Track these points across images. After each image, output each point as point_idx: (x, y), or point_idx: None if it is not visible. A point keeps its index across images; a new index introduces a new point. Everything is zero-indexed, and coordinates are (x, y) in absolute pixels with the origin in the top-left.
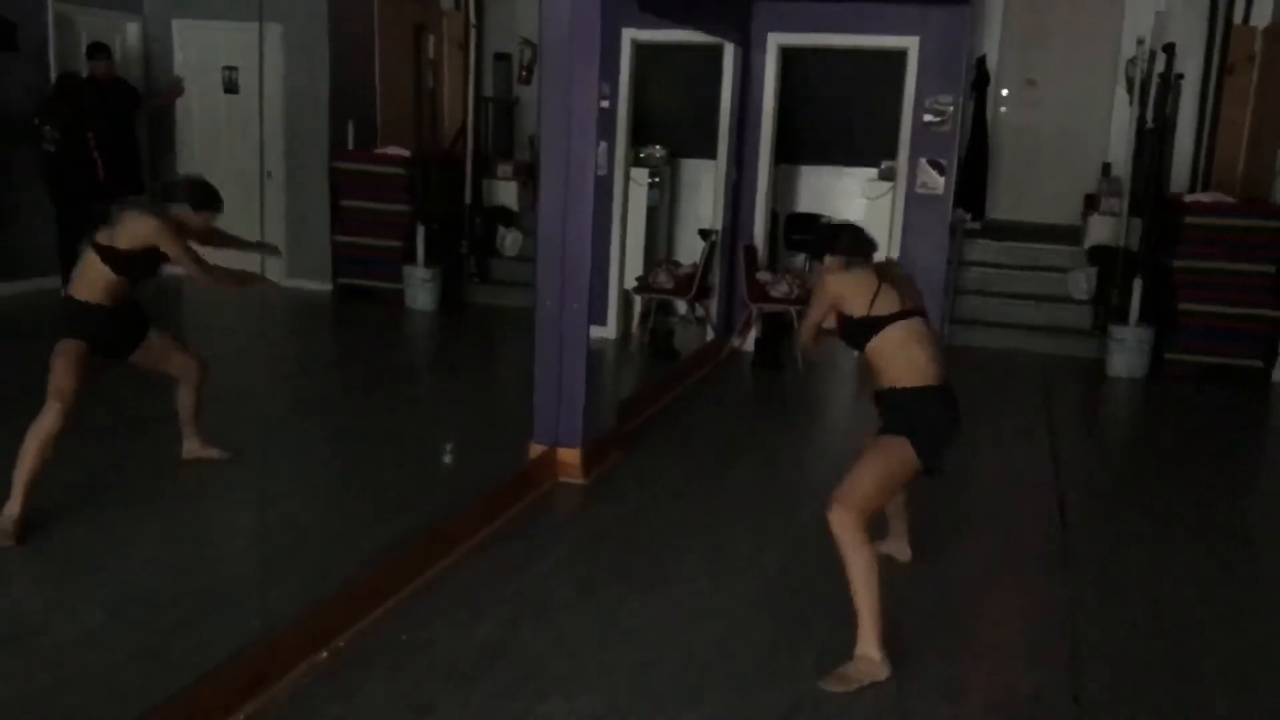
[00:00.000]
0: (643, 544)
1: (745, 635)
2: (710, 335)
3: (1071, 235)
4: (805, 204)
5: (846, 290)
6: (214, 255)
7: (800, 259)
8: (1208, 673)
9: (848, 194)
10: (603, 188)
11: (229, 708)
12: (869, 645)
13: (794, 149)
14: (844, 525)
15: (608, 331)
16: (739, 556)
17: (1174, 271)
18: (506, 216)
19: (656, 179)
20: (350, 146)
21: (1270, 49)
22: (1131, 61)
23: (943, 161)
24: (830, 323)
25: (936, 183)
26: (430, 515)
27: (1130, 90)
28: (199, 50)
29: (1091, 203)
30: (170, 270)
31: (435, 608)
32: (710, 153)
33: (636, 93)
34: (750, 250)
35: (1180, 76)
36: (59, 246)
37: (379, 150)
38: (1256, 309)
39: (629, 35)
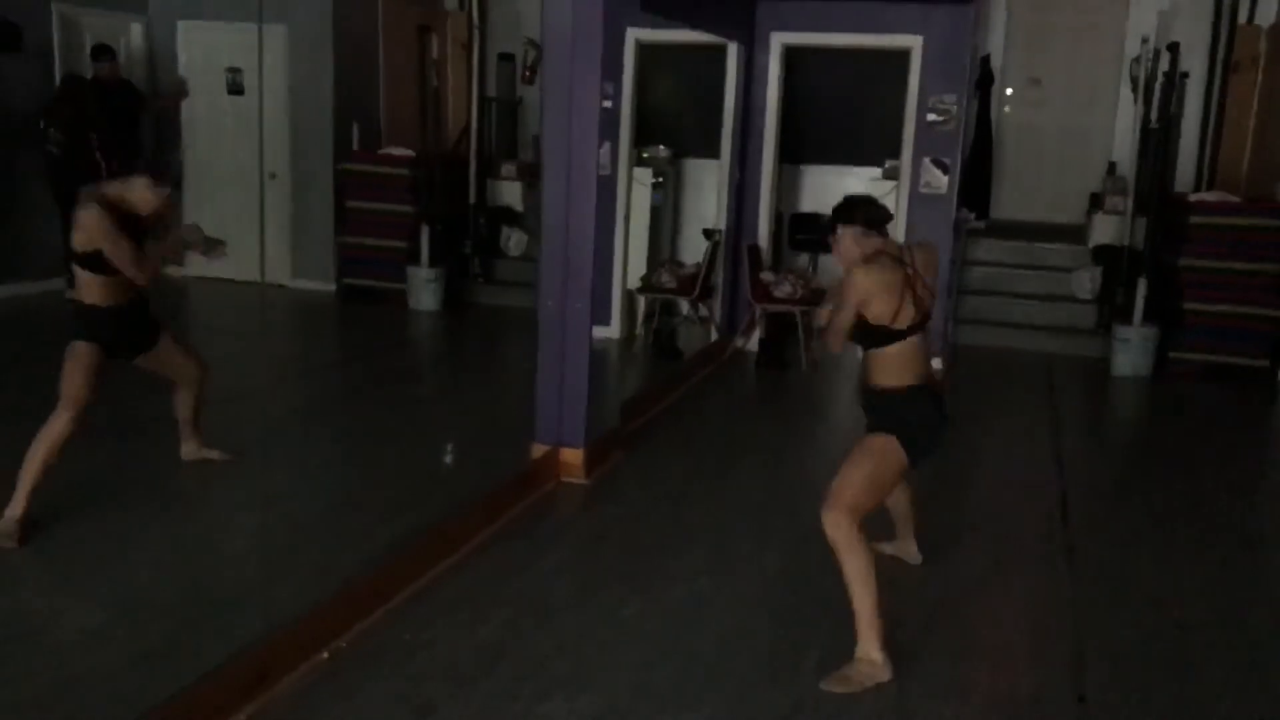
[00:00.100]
0: (644, 544)
1: (746, 635)
2: (714, 335)
3: (1076, 234)
4: (809, 203)
5: (876, 290)
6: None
7: (804, 259)
8: (1210, 672)
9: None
10: (606, 188)
11: (230, 708)
12: (870, 647)
13: (798, 148)
14: (837, 527)
15: (611, 331)
16: (741, 557)
17: (1179, 270)
18: (510, 216)
19: (660, 179)
20: (355, 147)
21: (1275, 48)
22: (1136, 60)
23: (946, 161)
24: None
25: (940, 182)
26: (432, 515)
27: (1135, 89)
28: (203, 51)
29: (1096, 202)
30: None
31: (437, 608)
32: (714, 152)
33: (640, 93)
34: (754, 250)
35: (1185, 75)
36: (64, 249)
37: (383, 151)
38: (1262, 308)
39: (632, 35)
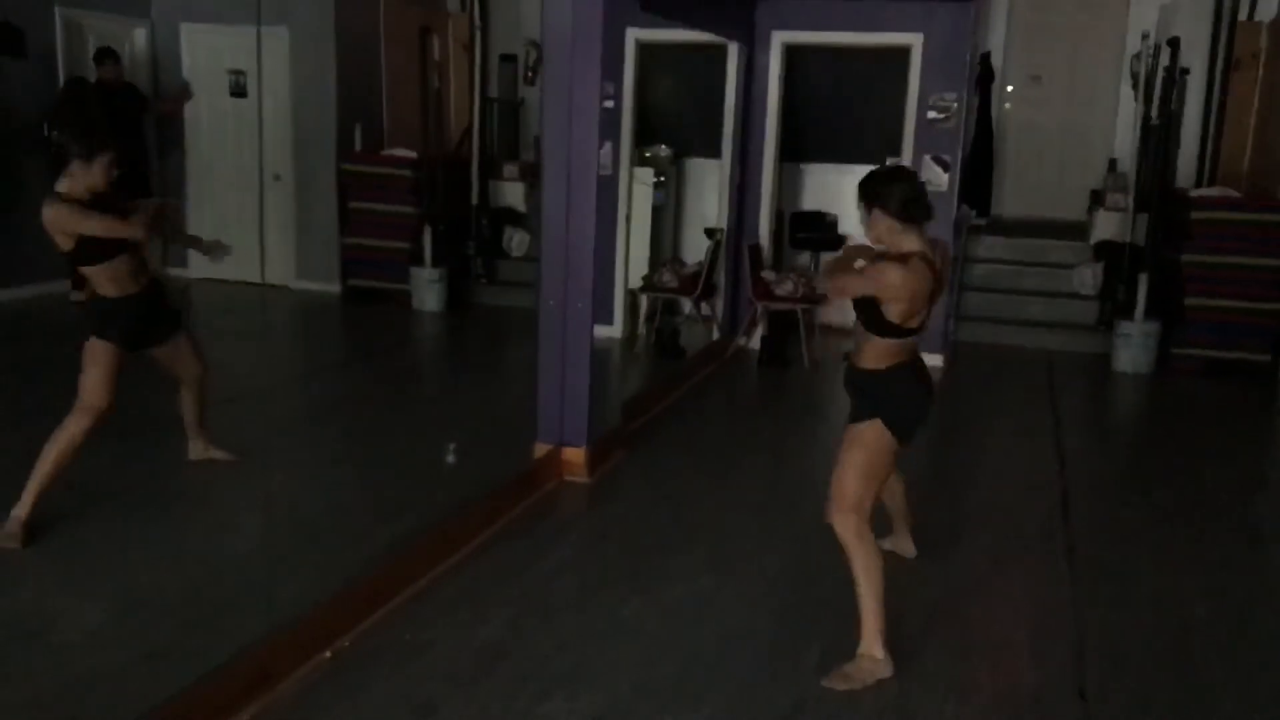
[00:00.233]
0: (646, 543)
1: (748, 634)
2: (715, 334)
3: (1077, 231)
4: (810, 202)
5: (904, 295)
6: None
7: (805, 257)
8: (1213, 668)
9: (852, 192)
10: (607, 188)
11: (233, 707)
12: (872, 644)
13: (798, 147)
14: (845, 527)
15: (613, 331)
16: (742, 555)
17: (1180, 266)
18: (513, 217)
19: (661, 178)
20: (358, 148)
21: (1275, 44)
22: (1136, 57)
23: (947, 158)
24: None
25: (941, 179)
26: (434, 515)
27: (1135, 86)
28: (206, 54)
29: (1097, 198)
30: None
31: (439, 607)
32: (715, 152)
33: (641, 93)
34: (755, 249)
35: (1185, 71)
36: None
37: (386, 152)
38: (1263, 303)
39: (633, 35)
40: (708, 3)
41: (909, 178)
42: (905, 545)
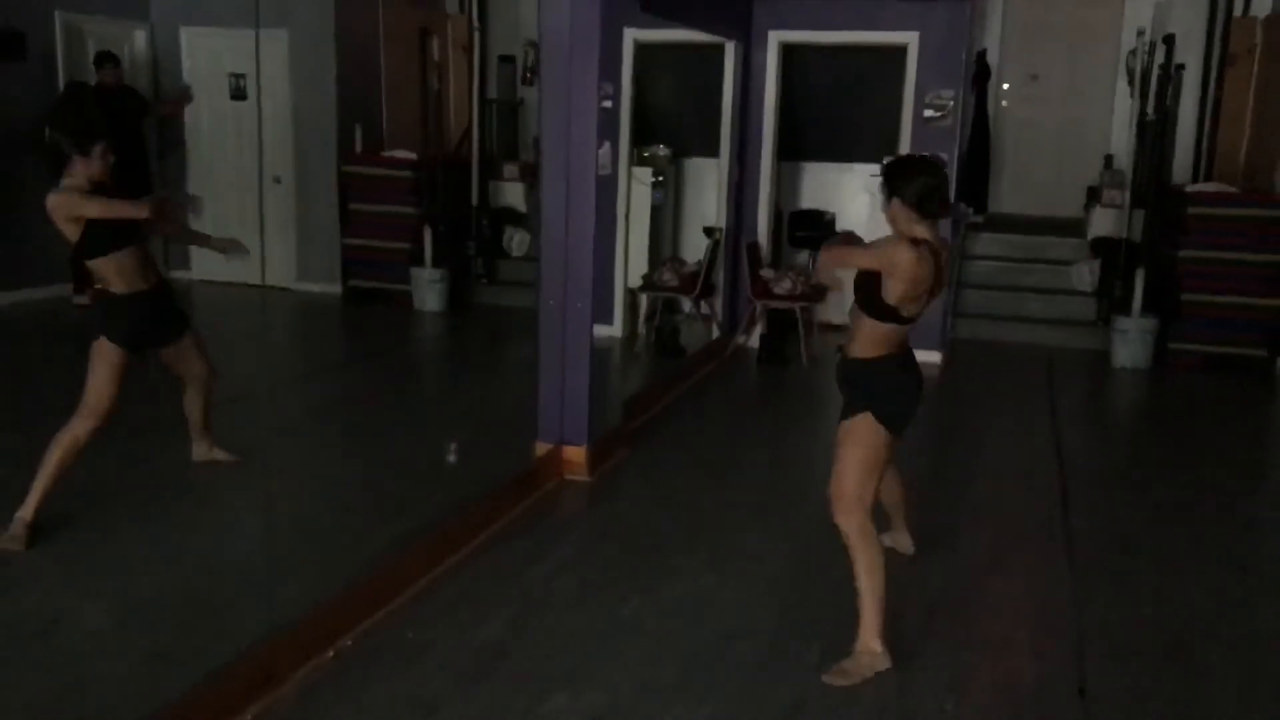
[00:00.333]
0: (647, 541)
1: (749, 632)
2: (715, 332)
3: (1074, 227)
4: (808, 200)
5: (908, 276)
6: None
7: (803, 255)
8: (1212, 662)
9: (850, 190)
10: (606, 187)
11: (236, 708)
12: (871, 638)
13: (796, 146)
14: (849, 523)
15: (613, 330)
16: (743, 553)
17: (1177, 262)
18: (513, 217)
19: (660, 178)
20: (358, 150)
21: (1271, 39)
22: (1132, 53)
23: (944, 156)
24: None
25: None
26: (436, 514)
27: (1131, 82)
28: (206, 57)
29: (1094, 195)
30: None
31: (441, 606)
32: (713, 151)
33: (639, 93)
34: (754, 247)
35: (1181, 68)
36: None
37: (386, 153)
38: (1260, 298)
39: (630, 35)
40: (705, 2)
41: (931, 171)
42: (904, 542)
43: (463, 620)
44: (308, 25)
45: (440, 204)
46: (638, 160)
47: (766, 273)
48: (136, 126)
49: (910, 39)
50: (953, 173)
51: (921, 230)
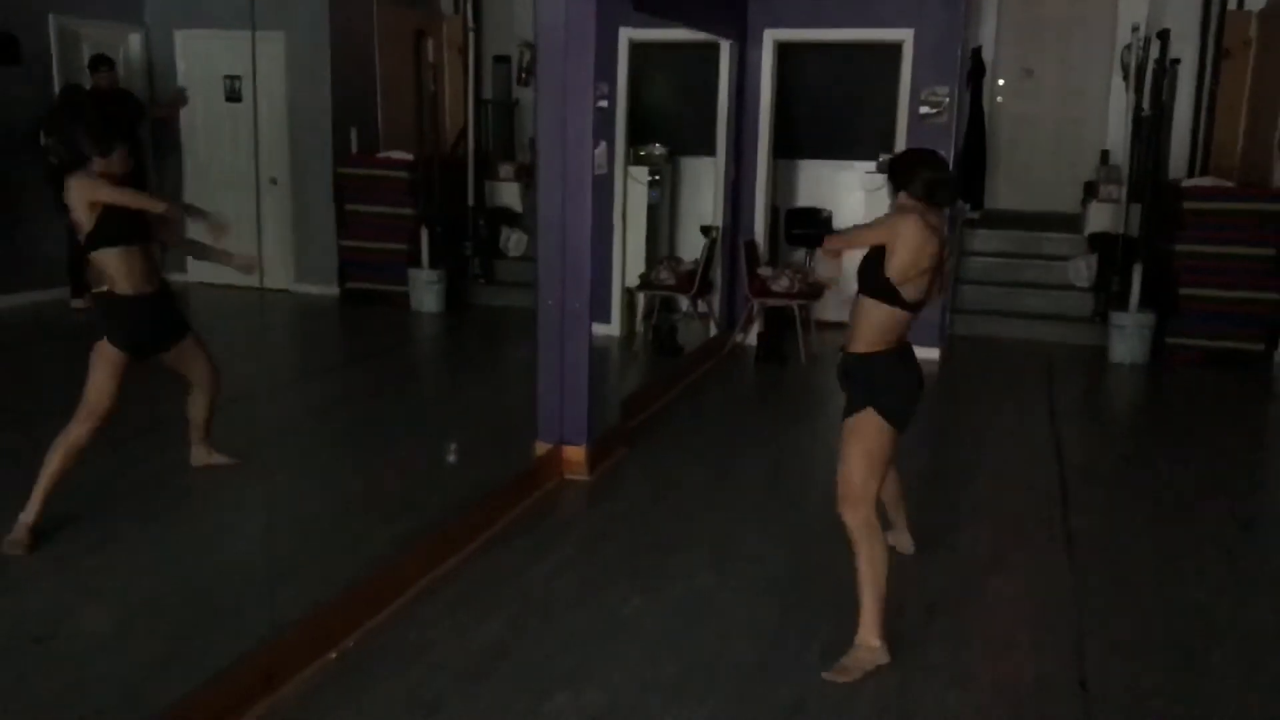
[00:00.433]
0: (647, 540)
1: (750, 630)
2: (713, 331)
3: (1071, 223)
4: (804, 198)
5: (911, 245)
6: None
7: (800, 253)
8: (1213, 656)
9: (846, 187)
10: (603, 187)
11: (238, 711)
12: (870, 634)
13: (792, 144)
14: (855, 519)
15: (611, 329)
16: (743, 551)
17: (1174, 257)
18: (509, 217)
19: (656, 177)
20: (354, 151)
21: (1266, 33)
22: (1127, 48)
23: (940, 153)
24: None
25: None
26: (436, 515)
27: (1126, 77)
28: (201, 60)
29: (1091, 190)
30: (177, 279)
31: (442, 607)
32: (709, 150)
33: (635, 92)
34: (751, 246)
35: (1176, 62)
36: (68, 259)
37: (382, 155)
38: (1257, 292)
39: (625, 35)
40: (700, 1)
41: (935, 162)
42: (904, 541)
43: (463, 620)
44: (303, 27)
45: (436, 205)
46: (634, 159)
47: (764, 271)
48: (132, 129)
49: (905, 36)
50: (949, 169)
51: (932, 219)
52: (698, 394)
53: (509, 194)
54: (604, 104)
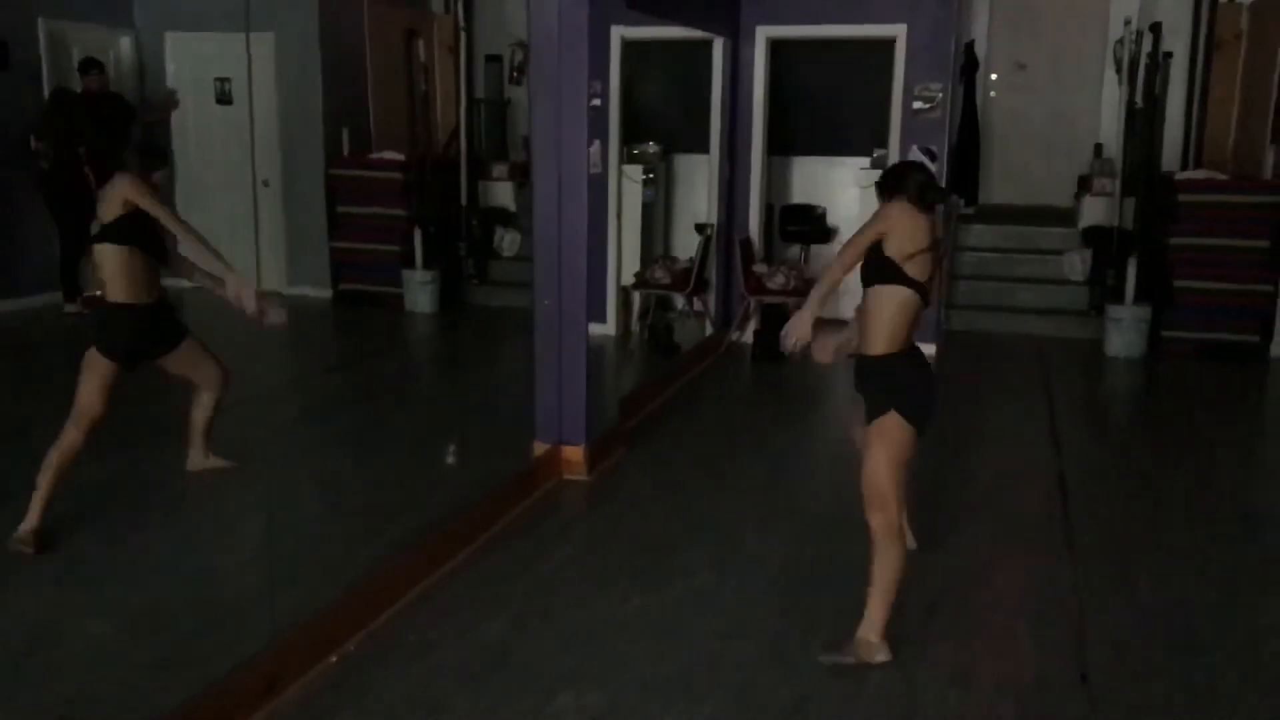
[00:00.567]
0: (648, 539)
1: (752, 628)
2: (709, 329)
3: (1065, 217)
4: (799, 195)
5: (906, 230)
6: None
7: (795, 250)
8: (1214, 649)
9: (841, 184)
10: (597, 186)
11: (240, 715)
12: (871, 631)
13: (786, 141)
14: (880, 520)
15: (607, 328)
16: (744, 549)
17: (1169, 249)
18: (503, 217)
19: (650, 175)
20: (345, 153)
21: (1257, 25)
22: (1119, 42)
23: (934, 148)
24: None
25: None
26: (436, 516)
27: (1119, 71)
28: (192, 62)
29: (1084, 184)
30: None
31: (443, 608)
32: (703, 147)
33: (628, 90)
34: (746, 243)
35: (1168, 55)
36: (60, 264)
37: (374, 155)
38: (1252, 284)
39: (618, 33)
40: None
41: (922, 169)
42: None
43: (464, 622)
44: (293, 28)
45: (430, 205)
46: (628, 158)
47: (759, 268)
48: (124, 133)
49: (898, 31)
50: (943, 164)
51: (922, 217)
52: (695, 393)
53: (502, 194)
54: (597, 103)
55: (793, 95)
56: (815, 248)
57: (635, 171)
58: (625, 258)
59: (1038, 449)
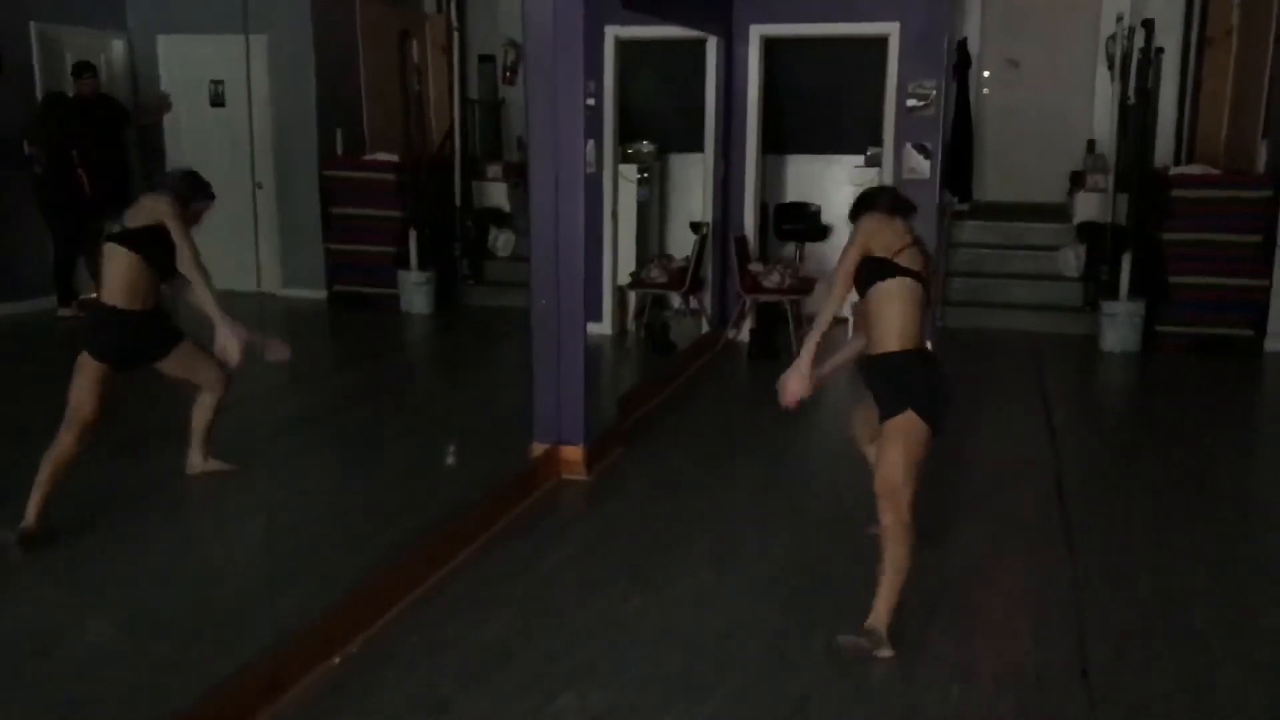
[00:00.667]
0: (648, 538)
1: (753, 626)
2: (705, 328)
3: (1059, 213)
4: (793, 193)
5: (883, 232)
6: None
7: (790, 248)
8: (1213, 642)
9: (835, 182)
10: (592, 185)
11: (242, 717)
12: (879, 622)
13: (780, 139)
14: (895, 518)
15: (603, 328)
16: (744, 547)
17: (1163, 245)
18: (498, 217)
19: (645, 175)
20: (339, 154)
21: (1248, 20)
22: (1111, 38)
23: (928, 145)
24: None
25: (923, 167)
26: (435, 517)
27: (1111, 67)
28: (184, 65)
29: (1078, 180)
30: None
31: (444, 609)
32: (698, 146)
33: (622, 90)
34: (741, 241)
35: (1160, 51)
36: (55, 267)
37: (368, 157)
38: (1245, 279)
39: (612, 33)
40: None
41: (889, 189)
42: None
43: (466, 622)
44: (285, 29)
45: (424, 206)
46: (622, 157)
47: (755, 266)
48: (117, 136)
49: (891, 29)
50: (937, 161)
51: (899, 245)
52: (692, 391)
53: (497, 194)
54: (591, 102)
55: (787, 94)
56: (810, 246)
57: (630, 171)
58: (621, 257)
59: (1035, 445)
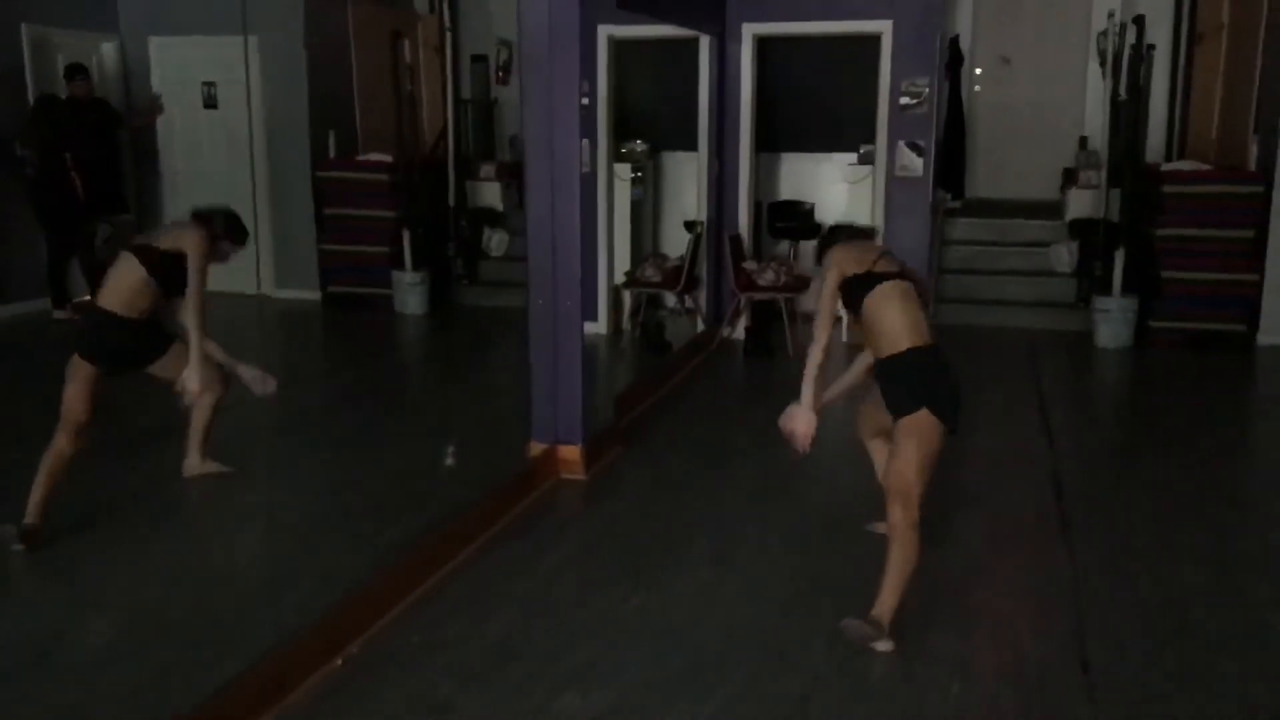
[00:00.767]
0: (647, 537)
1: (754, 623)
2: (701, 326)
3: (1052, 209)
4: (787, 191)
5: (851, 254)
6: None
7: (784, 246)
8: (1212, 636)
9: (828, 180)
10: (587, 185)
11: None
12: (883, 614)
13: (774, 137)
14: (903, 515)
15: (599, 327)
16: (743, 544)
17: (1155, 240)
18: (491, 217)
19: (639, 174)
20: (332, 155)
21: (1239, 16)
22: (1103, 34)
23: (921, 143)
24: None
25: (916, 165)
26: (434, 518)
27: (1103, 63)
28: (177, 67)
29: (1070, 176)
30: None
31: (445, 609)
32: (691, 145)
33: (616, 89)
34: (735, 240)
35: (1152, 47)
36: (48, 270)
37: (361, 157)
38: (1237, 274)
39: (605, 32)
40: None
41: (843, 226)
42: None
43: (467, 622)
44: (278, 31)
45: (418, 206)
46: (616, 156)
47: (749, 265)
48: (110, 138)
49: (884, 28)
50: (930, 158)
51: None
52: (688, 390)
53: (490, 194)
54: (585, 102)
55: (780, 92)
56: (804, 244)
57: (624, 170)
58: (616, 256)
59: (1031, 441)
